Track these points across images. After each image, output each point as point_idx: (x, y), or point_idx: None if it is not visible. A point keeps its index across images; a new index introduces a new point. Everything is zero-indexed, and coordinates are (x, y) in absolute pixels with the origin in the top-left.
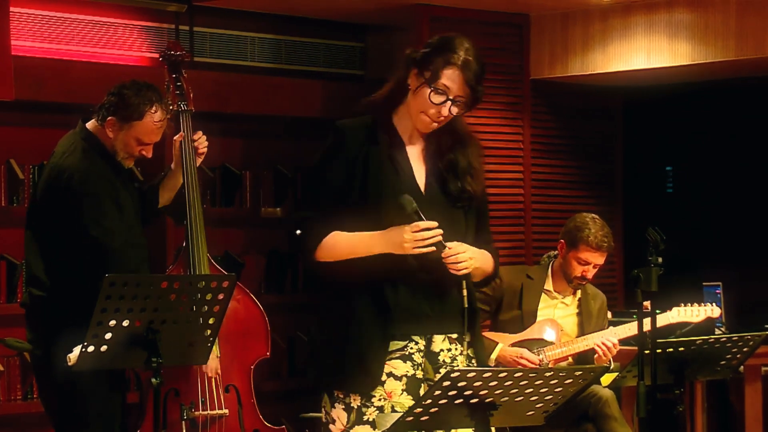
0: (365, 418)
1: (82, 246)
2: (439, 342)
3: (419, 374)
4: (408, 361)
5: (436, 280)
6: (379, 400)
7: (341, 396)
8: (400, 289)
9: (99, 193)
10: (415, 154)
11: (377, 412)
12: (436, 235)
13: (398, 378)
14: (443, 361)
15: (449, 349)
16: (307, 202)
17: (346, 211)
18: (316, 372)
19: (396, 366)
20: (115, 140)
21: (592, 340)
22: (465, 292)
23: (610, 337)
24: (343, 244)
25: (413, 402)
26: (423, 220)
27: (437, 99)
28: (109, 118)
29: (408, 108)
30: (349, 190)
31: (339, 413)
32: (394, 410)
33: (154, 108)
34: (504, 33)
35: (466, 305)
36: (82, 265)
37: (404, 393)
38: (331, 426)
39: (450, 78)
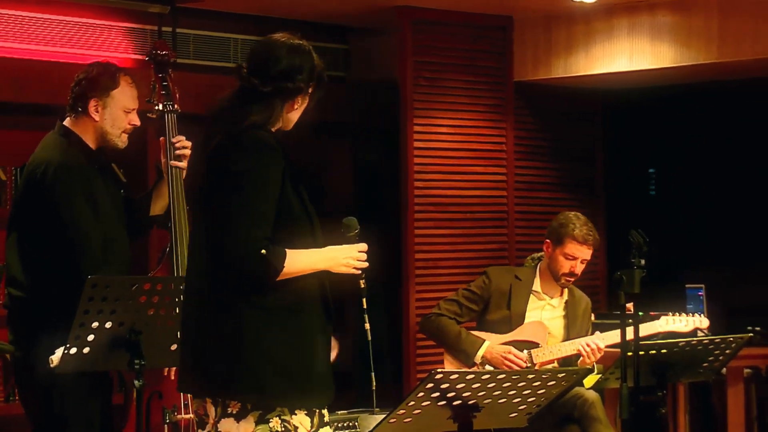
0: (325, 419)
1: (57, 242)
2: None
3: None
4: None
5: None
6: None
7: None
8: (331, 302)
9: (73, 187)
10: None
11: (327, 412)
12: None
13: None
14: None
15: None
16: (260, 219)
17: (293, 228)
18: (259, 387)
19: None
20: (103, 120)
21: (579, 343)
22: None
23: (597, 341)
24: (299, 263)
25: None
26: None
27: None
28: (90, 100)
29: (283, 122)
30: (289, 207)
31: (302, 419)
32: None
33: (121, 72)
34: (487, 35)
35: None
36: (58, 262)
37: None
38: None
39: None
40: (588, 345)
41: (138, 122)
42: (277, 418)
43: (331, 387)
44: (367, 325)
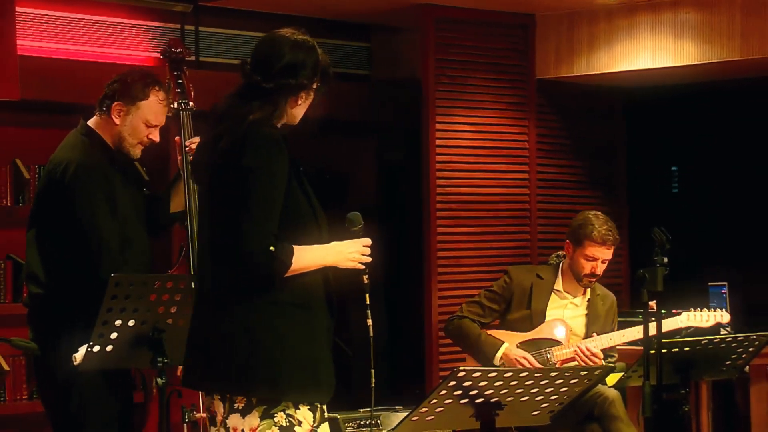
0: (325, 415)
1: (75, 241)
2: None
3: None
4: None
5: None
6: None
7: None
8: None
9: (92, 187)
10: None
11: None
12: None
13: None
14: None
15: None
16: (269, 216)
17: (300, 225)
18: (271, 382)
19: None
20: (123, 126)
21: (600, 342)
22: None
23: (590, 345)
24: (307, 259)
25: None
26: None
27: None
28: (115, 103)
29: (288, 118)
30: (296, 204)
31: (305, 414)
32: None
33: (156, 87)
34: (509, 33)
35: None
36: (76, 261)
37: None
38: (296, 428)
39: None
40: (581, 350)
41: (157, 139)
42: (282, 412)
43: (334, 382)
44: (369, 321)
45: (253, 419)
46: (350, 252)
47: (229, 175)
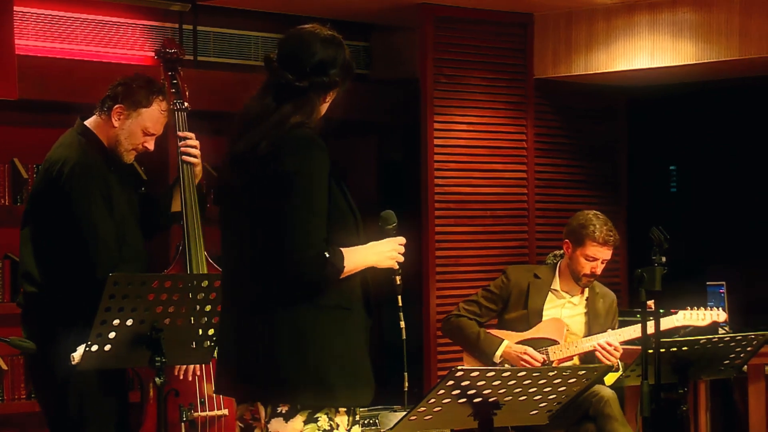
0: (356, 417)
1: (72, 240)
2: None
3: None
4: None
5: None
6: None
7: None
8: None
9: (89, 186)
10: None
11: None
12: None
13: None
14: None
15: None
16: (319, 222)
17: (342, 227)
18: (320, 388)
19: None
20: (121, 129)
21: (597, 341)
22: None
23: (611, 339)
24: (354, 261)
25: None
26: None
27: (330, 98)
28: (116, 106)
29: (319, 119)
30: (336, 206)
31: (342, 417)
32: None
33: (160, 97)
34: (508, 32)
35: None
36: (73, 260)
37: None
38: (335, 431)
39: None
40: (603, 347)
41: (151, 148)
42: (325, 416)
43: (373, 385)
44: (402, 324)
45: (297, 423)
46: (389, 251)
47: (272, 180)
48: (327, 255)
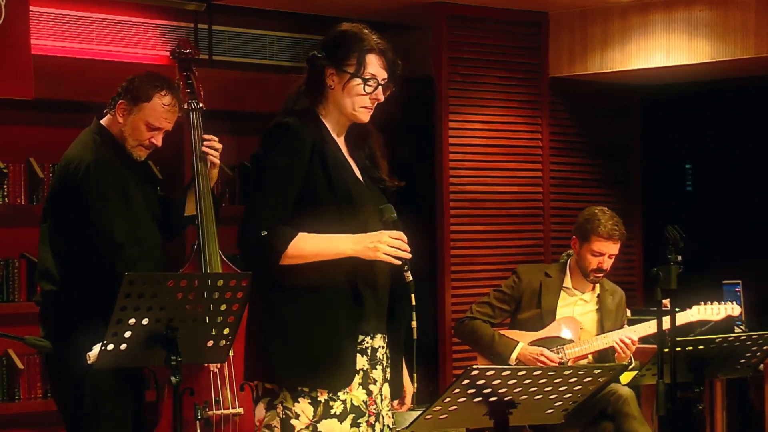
0: (332, 411)
1: (87, 238)
2: (379, 340)
3: (368, 368)
4: (364, 356)
5: (385, 283)
6: (344, 393)
7: (306, 390)
8: (369, 289)
9: (105, 185)
10: (344, 149)
11: (342, 405)
12: (407, 251)
13: (357, 372)
14: (380, 357)
15: (382, 347)
16: (268, 202)
17: (315, 211)
18: (269, 367)
19: (356, 360)
20: (125, 125)
21: (612, 338)
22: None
23: (630, 334)
24: (312, 246)
25: (366, 395)
26: (400, 230)
27: (370, 88)
28: (120, 101)
29: (336, 105)
30: (313, 189)
31: (304, 407)
32: (353, 404)
33: (163, 92)
34: (523, 31)
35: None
36: (89, 259)
37: (360, 386)
38: (293, 421)
39: (374, 64)
40: (622, 340)
41: (159, 143)
42: (281, 404)
43: (347, 375)
44: (414, 323)
45: (260, 410)
46: (371, 242)
47: None
48: (264, 234)
